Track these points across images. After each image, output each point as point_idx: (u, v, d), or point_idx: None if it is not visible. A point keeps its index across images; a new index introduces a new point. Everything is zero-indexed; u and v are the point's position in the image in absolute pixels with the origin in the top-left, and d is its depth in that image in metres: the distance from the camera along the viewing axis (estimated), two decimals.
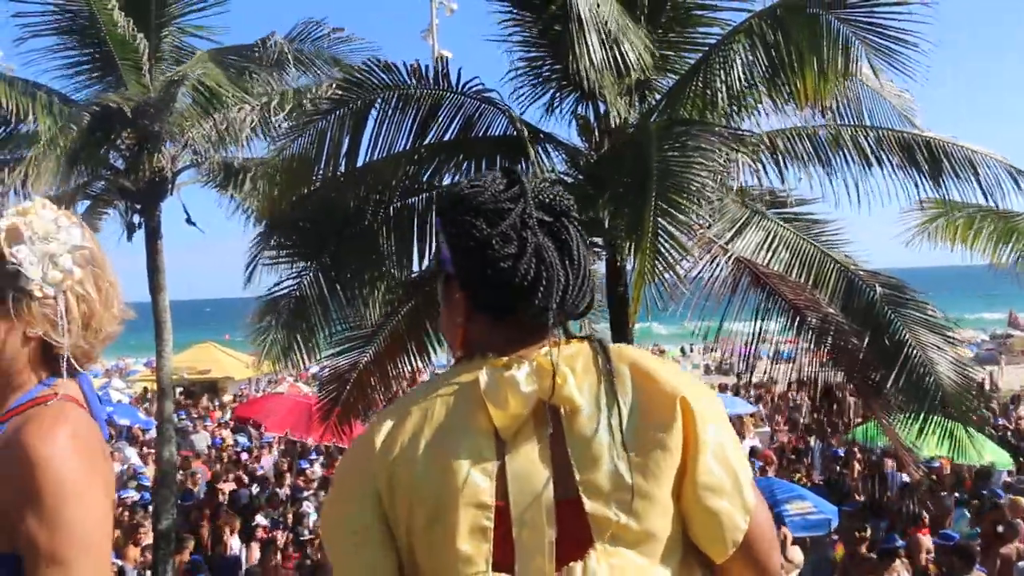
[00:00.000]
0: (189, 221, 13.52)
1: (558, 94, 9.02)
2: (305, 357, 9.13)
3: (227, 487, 14.61)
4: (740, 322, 7.91)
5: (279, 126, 10.76)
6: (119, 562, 10.29)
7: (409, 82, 8.26)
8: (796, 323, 7.90)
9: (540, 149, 9.13)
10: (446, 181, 8.93)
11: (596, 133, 9.08)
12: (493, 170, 1.83)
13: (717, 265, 7.91)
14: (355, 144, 8.30)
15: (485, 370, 1.66)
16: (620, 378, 1.65)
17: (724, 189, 7.97)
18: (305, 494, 14.21)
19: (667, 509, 1.61)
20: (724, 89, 7.62)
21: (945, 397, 7.80)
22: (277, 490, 14.65)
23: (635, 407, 1.63)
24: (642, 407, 1.63)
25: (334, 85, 8.65)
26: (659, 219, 6.23)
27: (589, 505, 1.58)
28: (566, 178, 9.35)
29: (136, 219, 12.81)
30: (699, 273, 7.86)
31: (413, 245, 8.97)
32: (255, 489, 14.92)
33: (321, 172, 8.42)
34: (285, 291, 8.98)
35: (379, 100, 8.23)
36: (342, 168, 8.43)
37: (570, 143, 9.32)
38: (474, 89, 8.51)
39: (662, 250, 6.18)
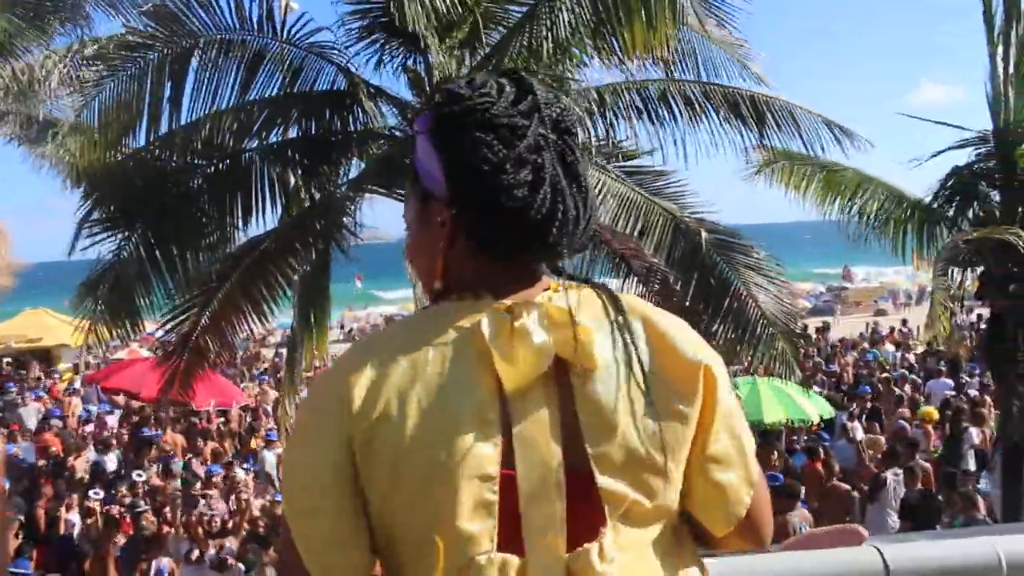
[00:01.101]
0: None
1: (387, 47, 8.87)
2: (131, 327, 8.75)
3: (80, 462, 13.88)
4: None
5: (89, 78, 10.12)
6: None
7: (233, 25, 7.93)
8: (621, 272, 8.06)
9: (376, 103, 9.00)
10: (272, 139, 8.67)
11: (427, 87, 8.99)
12: (493, 74, 1.52)
13: None
14: (176, 97, 7.91)
15: (487, 315, 1.41)
16: (634, 335, 1.45)
17: None
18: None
19: (679, 485, 1.46)
20: (550, 40, 7.62)
21: (769, 326, 8.13)
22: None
23: (653, 371, 1.43)
24: (661, 373, 1.44)
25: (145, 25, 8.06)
26: None
27: (602, 480, 1.38)
28: (398, 133, 9.24)
29: None
30: None
31: (238, 206, 8.70)
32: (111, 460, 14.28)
33: (139, 129, 8.00)
34: (111, 258, 8.56)
35: (200, 44, 7.86)
36: (164, 127, 8.04)
37: (401, 97, 9.21)
38: (299, 37, 8.25)
39: None
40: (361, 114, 8.85)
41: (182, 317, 8.97)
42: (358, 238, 8.47)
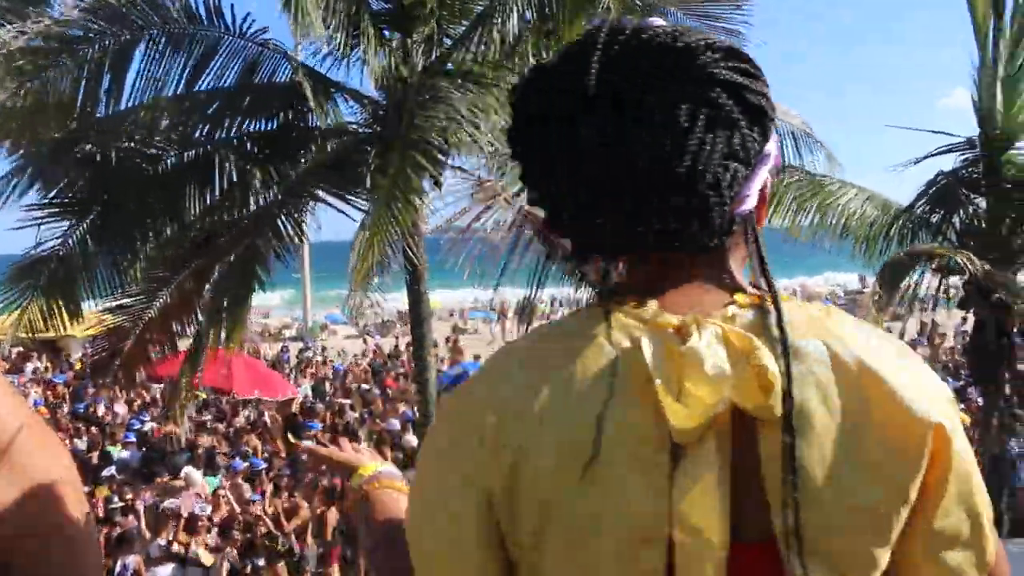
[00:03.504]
0: None
1: (350, 40, 8.71)
2: (68, 315, 8.63)
3: None
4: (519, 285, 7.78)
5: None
6: None
7: (180, 20, 7.80)
8: (576, 275, 7.84)
9: (334, 99, 8.85)
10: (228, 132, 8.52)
11: (391, 83, 8.83)
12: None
13: (497, 217, 7.78)
14: (119, 87, 7.79)
15: (648, 335, 1.11)
16: (842, 372, 1.13)
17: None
18: None
19: (882, 568, 1.15)
20: (499, 39, 7.44)
21: None
22: None
23: (864, 425, 1.11)
24: (874, 428, 1.11)
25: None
26: (407, 171, 6.04)
27: (789, 560, 1.10)
28: (362, 129, 9.10)
29: None
30: (481, 225, 7.72)
31: (192, 197, 8.57)
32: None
33: (77, 116, 7.86)
34: (54, 244, 8.45)
35: (145, 38, 7.74)
36: (101, 111, 7.90)
37: (365, 93, 9.06)
38: (252, 32, 8.11)
39: (400, 203, 5.98)
40: (325, 109, 8.70)
41: (128, 306, 8.88)
42: (295, 240, 8.27)
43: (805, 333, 1.13)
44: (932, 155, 10.68)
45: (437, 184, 8.68)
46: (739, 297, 1.17)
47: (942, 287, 10.22)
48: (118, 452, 13.96)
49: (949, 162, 10.63)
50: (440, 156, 6.28)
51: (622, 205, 1.12)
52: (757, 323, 1.13)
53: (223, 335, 8.41)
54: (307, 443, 1.87)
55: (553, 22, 7.29)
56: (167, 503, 11.06)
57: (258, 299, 33.23)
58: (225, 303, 8.22)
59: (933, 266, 9.96)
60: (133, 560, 9.51)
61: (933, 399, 1.13)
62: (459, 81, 7.02)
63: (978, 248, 9.95)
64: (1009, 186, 10.19)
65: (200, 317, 8.88)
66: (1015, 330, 10.26)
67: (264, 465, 12.87)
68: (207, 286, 8.17)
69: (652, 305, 1.14)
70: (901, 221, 10.78)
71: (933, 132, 10.72)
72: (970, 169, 10.56)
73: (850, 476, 1.09)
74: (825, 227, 10.77)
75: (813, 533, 1.09)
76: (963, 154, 10.54)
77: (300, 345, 25.56)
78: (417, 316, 9.05)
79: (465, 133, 6.57)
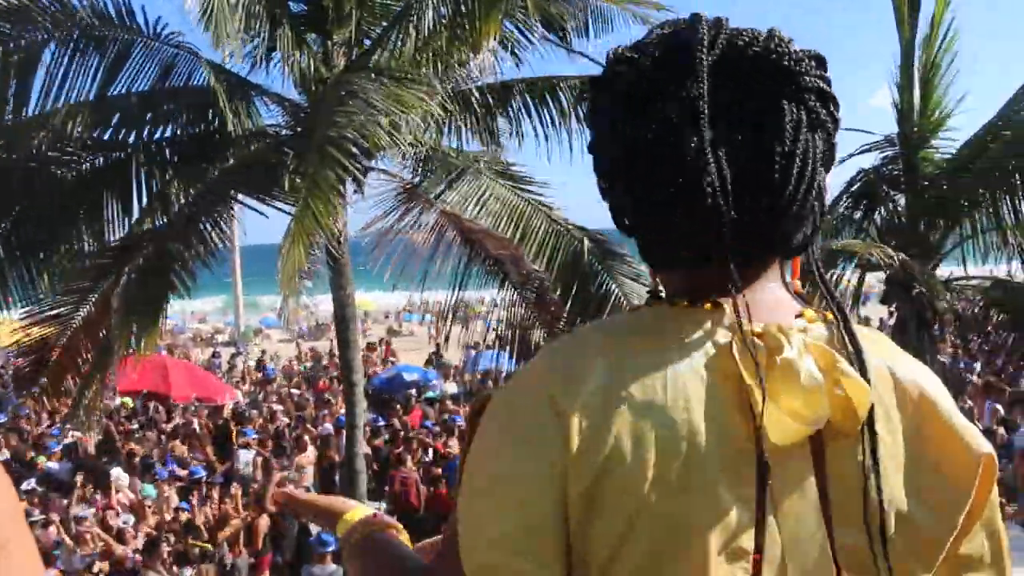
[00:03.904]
0: None
1: (271, 43, 8.57)
2: None
3: None
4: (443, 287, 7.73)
5: None
6: None
7: (91, 21, 7.58)
8: (499, 277, 7.82)
9: (254, 102, 8.70)
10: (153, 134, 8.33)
11: (312, 85, 8.71)
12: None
13: (423, 219, 7.72)
14: (24, 92, 7.55)
15: (737, 342, 1.06)
16: (899, 397, 1.12)
17: (433, 142, 7.79)
18: None
19: None
20: (414, 36, 7.38)
21: None
22: None
23: (917, 450, 1.11)
24: (927, 454, 1.11)
25: None
26: (324, 169, 5.95)
27: None
28: (285, 131, 8.96)
29: None
30: (403, 227, 7.65)
31: (110, 205, 8.36)
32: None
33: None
34: None
35: (55, 40, 7.51)
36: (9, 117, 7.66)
37: (286, 96, 8.92)
38: (167, 35, 7.93)
39: (320, 203, 5.89)
40: (242, 113, 8.54)
41: (51, 314, 8.64)
42: (217, 244, 8.11)
43: (869, 352, 1.12)
44: (855, 154, 10.85)
45: (360, 186, 8.59)
46: (807, 312, 1.14)
47: (864, 283, 10.38)
48: (46, 463, 13.63)
49: (870, 160, 10.81)
50: (356, 152, 6.18)
51: (719, 208, 1.06)
52: (828, 338, 1.12)
53: (135, 341, 8.16)
54: (286, 489, 1.68)
55: (468, 19, 7.24)
56: (79, 511, 10.85)
57: (194, 305, 32.60)
58: (137, 308, 7.99)
59: (854, 263, 10.11)
60: (51, 573, 9.29)
61: (976, 429, 1.14)
62: (375, 77, 6.93)
63: (899, 244, 10.12)
64: (926, 183, 10.38)
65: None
66: (935, 324, 10.46)
67: (203, 474, 12.67)
68: (116, 290, 7.93)
69: (727, 310, 1.09)
70: (825, 218, 10.90)
71: (855, 131, 10.89)
72: (890, 167, 10.74)
73: (907, 500, 1.08)
74: None
75: (867, 555, 1.06)
76: (883, 152, 10.73)
77: (232, 350, 25.22)
78: (343, 319, 8.93)
79: (384, 132, 6.47)
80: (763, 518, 1.03)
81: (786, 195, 1.09)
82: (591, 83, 1.19)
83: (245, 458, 13.30)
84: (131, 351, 8.03)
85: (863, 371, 1.08)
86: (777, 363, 1.04)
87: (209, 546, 10.32)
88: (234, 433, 14.73)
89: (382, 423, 14.56)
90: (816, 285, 1.20)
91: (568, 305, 7.87)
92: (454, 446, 12.82)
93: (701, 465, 1.01)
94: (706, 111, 1.06)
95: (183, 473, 12.61)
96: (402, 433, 13.74)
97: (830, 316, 1.15)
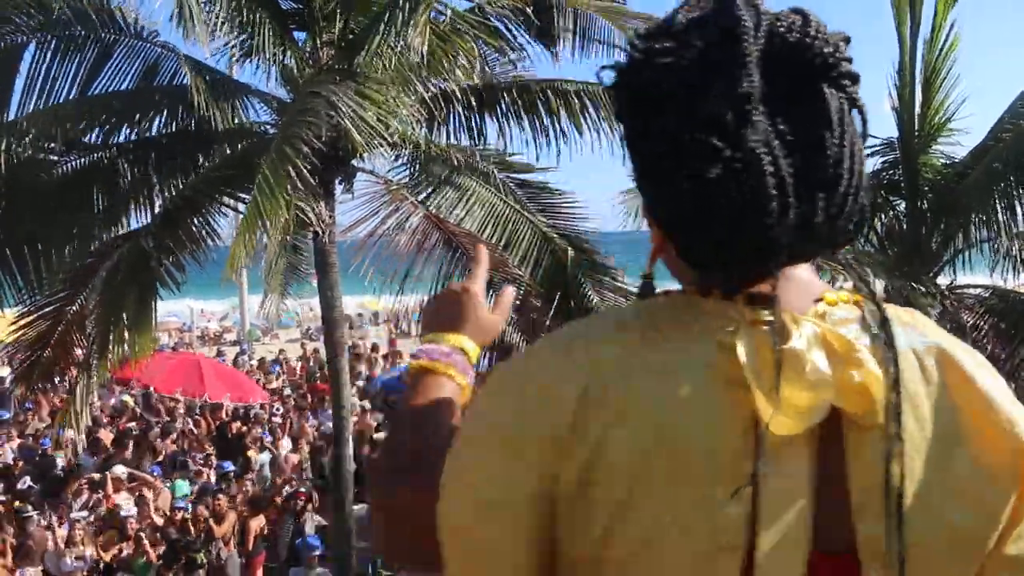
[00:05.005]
0: None
1: (256, 40, 8.50)
2: None
3: None
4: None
5: None
6: None
7: (71, 21, 7.54)
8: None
9: (240, 100, 8.64)
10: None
11: (300, 83, 8.64)
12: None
13: (407, 222, 7.64)
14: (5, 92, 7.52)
15: (743, 331, 1.04)
16: (931, 384, 1.06)
17: (415, 141, 7.71)
18: None
19: None
20: (392, 37, 7.28)
21: None
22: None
23: (951, 442, 1.05)
24: (963, 446, 1.05)
25: None
26: (274, 168, 5.91)
27: (869, 573, 1.02)
28: (272, 129, 8.89)
29: None
30: (387, 230, 7.58)
31: (98, 204, 8.33)
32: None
33: None
34: None
35: (35, 40, 7.47)
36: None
37: (273, 94, 8.85)
38: (149, 34, 7.88)
39: (265, 202, 5.83)
40: (227, 111, 8.47)
41: (45, 311, 8.62)
42: (206, 243, 8.05)
43: (901, 335, 1.08)
44: None
45: (348, 185, 8.53)
46: (828, 295, 1.10)
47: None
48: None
49: (869, 165, 10.61)
50: (306, 150, 6.13)
51: (785, 209, 1.02)
52: (852, 322, 1.08)
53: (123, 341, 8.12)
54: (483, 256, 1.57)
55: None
56: (75, 514, 10.86)
57: (207, 304, 32.62)
58: (122, 308, 7.94)
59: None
60: (32, 572, 9.28)
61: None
62: (340, 80, 6.87)
63: (901, 250, 9.97)
64: (927, 188, 10.20)
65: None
66: None
67: (233, 468, 12.68)
68: (95, 288, 7.90)
69: (741, 299, 1.07)
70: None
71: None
72: (890, 171, 10.58)
73: (939, 496, 1.03)
74: None
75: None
76: (883, 157, 10.56)
77: (236, 350, 25.22)
78: (330, 321, 8.85)
79: (367, 131, 6.41)
80: (756, 511, 1.00)
81: (840, 189, 1.05)
82: (623, 72, 1.11)
83: (263, 459, 13.34)
84: (118, 349, 7.98)
85: (891, 357, 1.04)
86: (782, 354, 1.02)
87: (201, 555, 10.32)
88: (234, 433, 14.76)
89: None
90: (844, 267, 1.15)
91: (551, 313, 7.76)
92: None
93: (696, 456, 0.99)
94: (759, 107, 1.01)
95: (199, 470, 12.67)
96: None
97: (859, 298, 1.11)
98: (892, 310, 1.10)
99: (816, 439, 1.03)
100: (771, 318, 1.04)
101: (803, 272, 1.12)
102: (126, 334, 7.92)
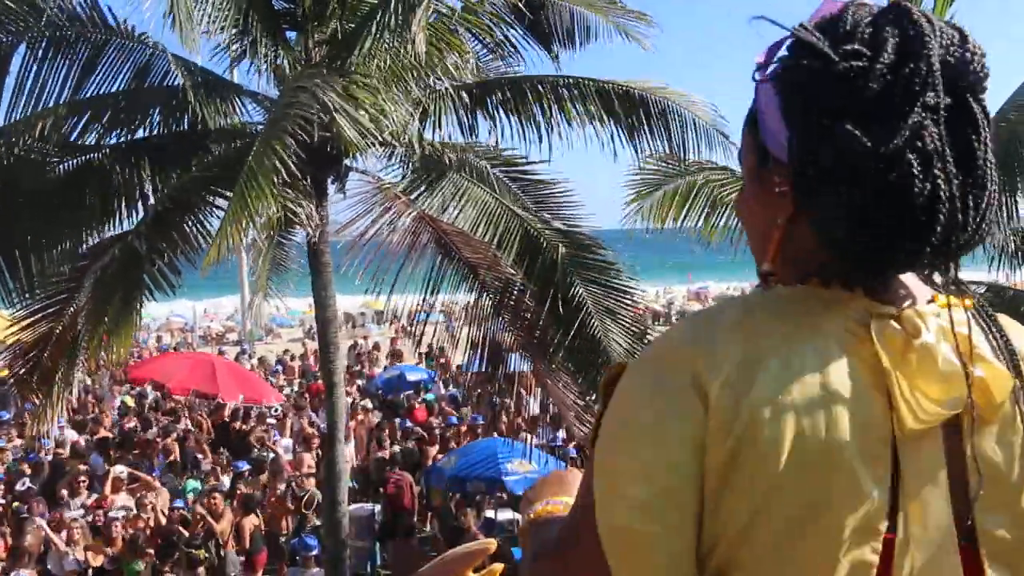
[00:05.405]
0: None
1: (248, 41, 8.48)
2: None
3: None
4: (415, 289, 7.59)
5: None
6: None
7: (61, 21, 7.51)
8: (473, 283, 7.66)
9: (233, 100, 8.61)
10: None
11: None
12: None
13: (397, 223, 7.59)
14: None
15: (875, 325, 1.07)
16: None
17: (408, 140, 7.67)
18: None
19: None
20: (383, 36, 7.25)
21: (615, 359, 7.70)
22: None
23: None
24: None
25: None
26: (257, 163, 5.90)
27: (990, 566, 1.07)
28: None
29: None
30: (378, 230, 7.53)
31: (91, 206, 8.29)
32: None
33: None
34: None
35: (25, 41, 7.44)
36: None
37: (267, 94, 8.82)
38: (141, 34, 7.85)
39: (250, 193, 5.82)
40: (220, 111, 8.45)
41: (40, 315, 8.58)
42: (199, 243, 8.01)
43: (1012, 337, 1.15)
44: None
45: (342, 186, 8.49)
46: (939, 298, 1.14)
47: None
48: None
49: None
50: (298, 140, 6.12)
51: (958, 220, 1.06)
52: (963, 324, 1.11)
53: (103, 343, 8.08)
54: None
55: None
56: (72, 513, 10.86)
57: (212, 303, 32.62)
58: (111, 307, 7.91)
59: None
60: (27, 574, 9.28)
61: None
62: (326, 76, 6.84)
63: None
64: None
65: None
66: None
67: (248, 467, 12.73)
68: (85, 290, 7.88)
69: (862, 292, 1.10)
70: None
71: None
72: None
73: None
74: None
75: (1012, 536, 1.08)
76: None
77: (237, 350, 25.20)
78: (323, 321, 8.82)
79: (357, 127, 6.39)
80: (896, 500, 1.03)
81: (984, 202, 1.08)
82: (803, 72, 1.09)
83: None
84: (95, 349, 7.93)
85: (1010, 356, 1.10)
86: (915, 347, 1.05)
87: (201, 551, 10.33)
88: (236, 432, 14.79)
89: (409, 425, 14.86)
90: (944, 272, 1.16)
91: (544, 313, 7.69)
92: None
93: (838, 445, 1.02)
94: (944, 123, 1.05)
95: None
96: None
97: (964, 302, 1.14)
98: (996, 315, 1.16)
99: (947, 432, 1.07)
100: (893, 311, 1.08)
101: (910, 275, 1.16)
102: (104, 336, 7.87)
